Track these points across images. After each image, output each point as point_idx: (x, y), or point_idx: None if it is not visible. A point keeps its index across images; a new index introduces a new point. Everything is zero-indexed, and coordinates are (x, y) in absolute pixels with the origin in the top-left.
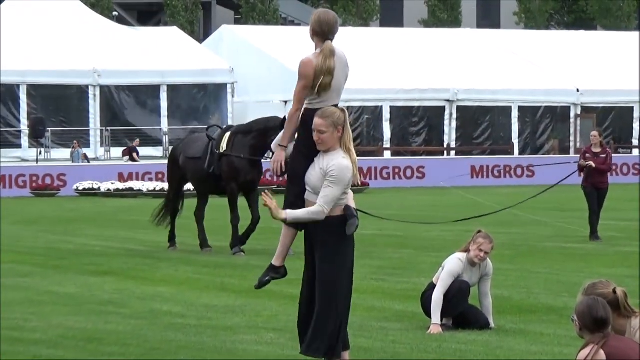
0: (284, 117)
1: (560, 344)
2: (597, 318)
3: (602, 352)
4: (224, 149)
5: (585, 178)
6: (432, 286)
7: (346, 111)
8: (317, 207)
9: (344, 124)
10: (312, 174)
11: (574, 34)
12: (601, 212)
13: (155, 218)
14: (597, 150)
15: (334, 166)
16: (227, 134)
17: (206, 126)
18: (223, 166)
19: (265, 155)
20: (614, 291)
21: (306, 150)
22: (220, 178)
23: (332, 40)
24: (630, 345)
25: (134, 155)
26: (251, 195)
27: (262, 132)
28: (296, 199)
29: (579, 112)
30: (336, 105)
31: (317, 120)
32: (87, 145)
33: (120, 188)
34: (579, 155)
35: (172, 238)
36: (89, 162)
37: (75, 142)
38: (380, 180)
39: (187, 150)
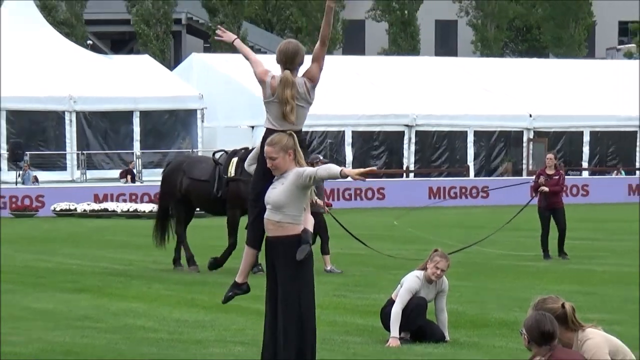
0: (309, 144)
1: (511, 355)
2: (544, 332)
3: None
4: (232, 174)
5: (541, 200)
6: (391, 302)
7: (294, 135)
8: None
9: (294, 147)
10: (273, 192)
11: (528, 61)
12: (566, 231)
13: (156, 239)
14: (551, 172)
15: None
16: (235, 159)
17: (177, 150)
18: (230, 191)
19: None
20: (563, 306)
21: (266, 172)
22: (222, 201)
23: (292, 70)
24: (575, 357)
25: (129, 177)
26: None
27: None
28: (255, 219)
29: (531, 137)
30: (293, 130)
31: (266, 149)
32: (64, 169)
33: (96, 209)
34: (532, 177)
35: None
36: (38, 183)
37: (25, 164)
38: (342, 201)
39: (192, 172)
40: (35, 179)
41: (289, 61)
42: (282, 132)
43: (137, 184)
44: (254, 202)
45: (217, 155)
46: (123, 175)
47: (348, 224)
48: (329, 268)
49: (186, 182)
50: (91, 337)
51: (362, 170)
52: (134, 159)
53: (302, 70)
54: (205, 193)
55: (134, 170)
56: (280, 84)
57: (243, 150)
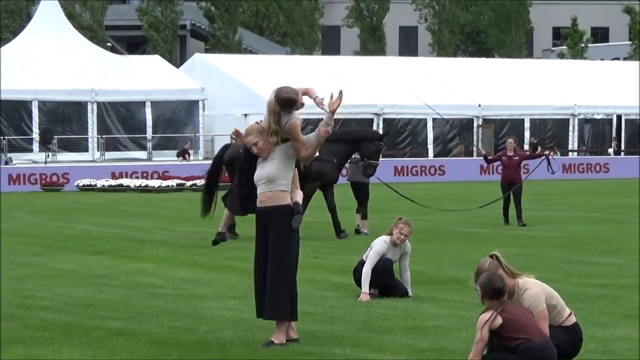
0: (384, 133)
1: (464, 308)
2: (495, 288)
3: (499, 317)
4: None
5: (503, 176)
6: (362, 263)
7: (259, 122)
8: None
9: (265, 129)
10: (264, 169)
11: (477, 60)
12: (522, 203)
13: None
14: (511, 154)
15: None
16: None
17: (182, 135)
18: (312, 167)
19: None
20: (491, 256)
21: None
22: (305, 176)
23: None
24: (522, 310)
25: (186, 156)
26: (329, 190)
27: (356, 142)
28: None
29: (480, 123)
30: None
31: (246, 139)
32: (87, 150)
33: (113, 184)
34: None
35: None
36: (13, 163)
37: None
38: None
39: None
40: (10, 160)
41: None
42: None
43: (149, 163)
44: (244, 183)
45: None
46: (180, 154)
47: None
48: (365, 231)
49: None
50: (107, 292)
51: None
52: (146, 142)
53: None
54: None
55: (190, 151)
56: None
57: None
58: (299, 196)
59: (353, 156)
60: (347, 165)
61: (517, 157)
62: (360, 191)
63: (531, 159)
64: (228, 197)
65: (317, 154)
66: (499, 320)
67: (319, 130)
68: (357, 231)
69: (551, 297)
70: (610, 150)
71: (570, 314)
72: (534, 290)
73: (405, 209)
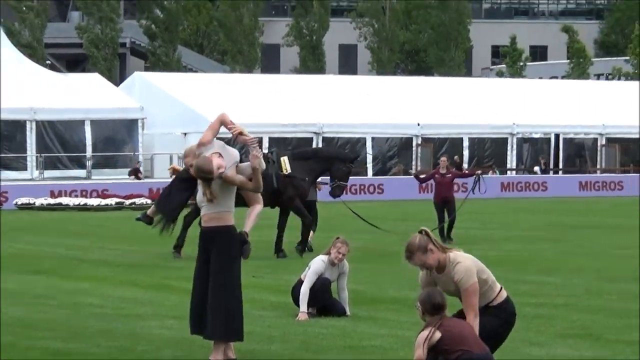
0: (356, 155)
1: (403, 328)
2: (435, 303)
3: (438, 332)
4: (288, 170)
5: (436, 194)
6: (300, 282)
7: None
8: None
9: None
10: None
11: (416, 79)
12: (455, 221)
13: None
14: (444, 172)
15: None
16: (285, 158)
17: (121, 153)
18: (289, 184)
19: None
20: (420, 232)
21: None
22: (281, 194)
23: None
24: (461, 323)
25: (139, 174)
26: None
27: (327, 161)
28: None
29: (419, 142)
30: None
31: (185, 160)
32: (25, 169)
33: (52, 203)
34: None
35: (180, 246)
36: None
37: None
38: None
39: (247, 171)
40: None
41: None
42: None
43: (88, 182)
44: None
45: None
46: (132, 172)
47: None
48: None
49: None
50: (45, 312)
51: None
52: (85, 160)
53: None
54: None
55: (141, 169)
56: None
57: (289, 150)
58: (255, 212)
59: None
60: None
61: (449, 175)
62: (311, 210)
63: (463, 177)
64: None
65: (290, 171)
66: (437, 335)
67: (251, 161)
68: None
69: (482, 272)
70: (537, 169)
71: (501, 288)
72: (465, 263)
73: (350, 227)
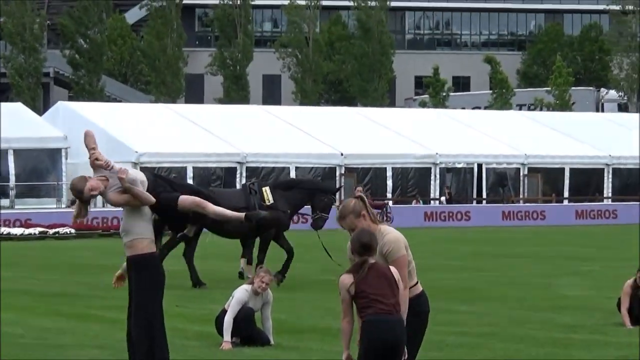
0: (338, 187)
1: (326, 357)
2: (363, 242)
3: (354, 286)
4: (271, 201)
5: None
6: (224, 312)
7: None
8: None
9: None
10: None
11: (339, 109)
12: None
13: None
14: None
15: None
16: (266, 188)
17: (45, 183)
18: (268, 216)
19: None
20: (357, 197)
21: None
22: (261, 225)
23: None
24: (384, 268)
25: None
26: (281, 237)
27: (310, 192)
28: None
29: (343, 172)
30: None
31: (87, 184)
32: None
33: None
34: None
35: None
36: None
37: None
38: None
39: (230, 201)
40: None
41: None
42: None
43: (11, 211)
44: None
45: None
46: (73, 202)
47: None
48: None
49: None
50: None
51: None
52: (9, 190)
53: None
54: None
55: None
56: None
57: (271, 180)
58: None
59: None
60: None
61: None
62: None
63: (374, 208)
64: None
65: (272, 201)
66: (352, 290)
67: (121, 184)
68: (241, 274)
69: (408, 250)
70: (443, 199)
71: (417, 282)
72: (395, 234)
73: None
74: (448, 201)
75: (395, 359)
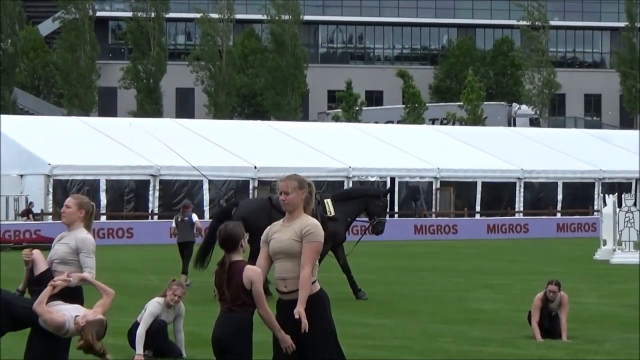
0: (388, 189)
1: None
2: (222, 235)
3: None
4: (332, 213)
5: None
6: (136, 324)
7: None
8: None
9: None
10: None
11: (252, 123)
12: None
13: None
14: None
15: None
16: (328, 200)
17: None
18: (329, 229)
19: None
20: (309, 184)
21: None
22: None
23: None
24: (235, 279)
25: (30, 215)
26: (339, 249)
27: (363, 199)
28: None
29: (256, 185)
30: None
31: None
32: None
33: None
34: None
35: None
36: None
37: None
38: (97, 239)
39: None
40: None
41: None
42: None
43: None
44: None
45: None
46: (25, 213)
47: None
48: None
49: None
50: None
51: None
52: None
53: None
54: None
55: (32, 209)
56: None
57: (330, 194)
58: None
59: (180, 219)
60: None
61: None
62: (187, 250)
63: None
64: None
65: (333, 212)
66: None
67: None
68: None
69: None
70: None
71: (316, 280)
72: (318, 224)
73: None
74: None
75: (222, 353)
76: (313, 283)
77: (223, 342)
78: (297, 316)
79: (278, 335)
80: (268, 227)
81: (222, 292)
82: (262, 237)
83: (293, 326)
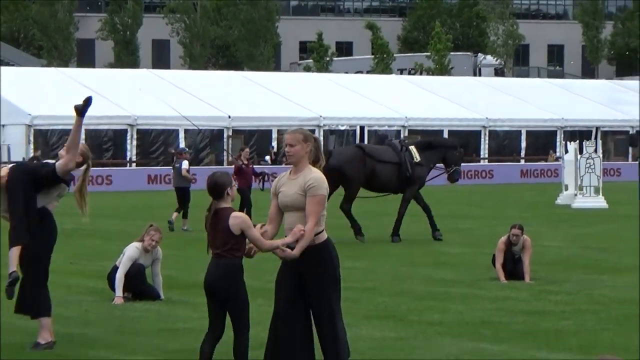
0: (462, 142)
1: None
2: (209, 183)
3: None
4: (418, 159)
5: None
6: (115, 268)
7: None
8: None
9: None
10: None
11: (226, 73)
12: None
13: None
14: (247, 162)
15: None
16: (413, 147)
17: None
18: (416, 173)
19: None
20: (314, 139)
21: None
22: (410, 180)
23: None
24: (221, 227)
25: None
26: (419, 193)
27: (442, 149)
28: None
29: (230, 134)
30: None
31: None
32: None
33: None
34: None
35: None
36: None
37: None
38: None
39: (382, 156)
40: None
41: None
42: None
43: None
44: None
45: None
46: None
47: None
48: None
49: (375, 164)
50: None
51: None
52: None
53: None
54: (395, 174)
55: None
56: None
57: (419, 138)
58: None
59: (174, 165)
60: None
61: (251, 166)
62: (184, 195)
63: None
64: None
65: (419, 159)
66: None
67: None
68: (171, 226)
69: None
70: (267, 158)
71: (323, 230)
72: (322, 176)
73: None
74: (273, 162)
75: (215, 297)
76: (319, 233)
77: (214, 286)
78: (293, 240)
79: (279, 254)
80: (276, 179)
81: (211, 237)
82: (272, 189)
83: (299, 272)
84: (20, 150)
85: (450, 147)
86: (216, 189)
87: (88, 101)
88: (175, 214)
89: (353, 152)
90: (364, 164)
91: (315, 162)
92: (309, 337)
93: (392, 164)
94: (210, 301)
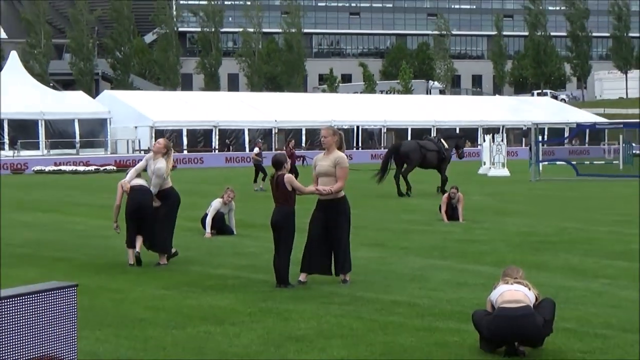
0: (464, 133)
1: (270, 243)
2: (273, 160)
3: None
4: (447, 147)
5: None
6: (205, 215)
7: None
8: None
9: None
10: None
11: (274, 94)
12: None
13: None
14: (292, 148)
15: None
16: (443, 140)
17: (97, 139)
18: (447, 155)
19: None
20: (339, 130)
21: None
22: (443, 160)
23: None
24: (280, 185)
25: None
26: (443, 170)
27: (455, 139)
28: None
29: (276, 132)
30: None
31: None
32: (38, 148)
33: (55, 169)
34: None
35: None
36: None
37: None
38: (185, 164)
39: (428, 146)
40: None
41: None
42: None
43: (78, 156)
44: None
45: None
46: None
47: (188, 178)
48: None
49: (426, 152)
50: (53, 234)
51: None
52: (75, 143)
53: None
54: (437, 157)
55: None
56: None
57: (433, 136)
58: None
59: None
60: None
61: (294, 150)
62: (260, 168)
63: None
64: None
65: (447, 145)
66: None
67: None
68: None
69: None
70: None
71: (342, 191)
72: (344, 155)
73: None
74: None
75: (277, 231)
76: (340, 192)
77: (276, 224)
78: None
79: (316, 192)
80: (315, 158)
81: (274, 192)
82: (312, 163)
83: (326, 214)
84: (146, 143)
85: (460, 137)
86: (278, 163)
87: None
88: (255, 184)
89: (415, 145)
90: (420, 152)
91: (339, 148)
92: (329, 252)
93: (434, 151)
94: (274, 234)
